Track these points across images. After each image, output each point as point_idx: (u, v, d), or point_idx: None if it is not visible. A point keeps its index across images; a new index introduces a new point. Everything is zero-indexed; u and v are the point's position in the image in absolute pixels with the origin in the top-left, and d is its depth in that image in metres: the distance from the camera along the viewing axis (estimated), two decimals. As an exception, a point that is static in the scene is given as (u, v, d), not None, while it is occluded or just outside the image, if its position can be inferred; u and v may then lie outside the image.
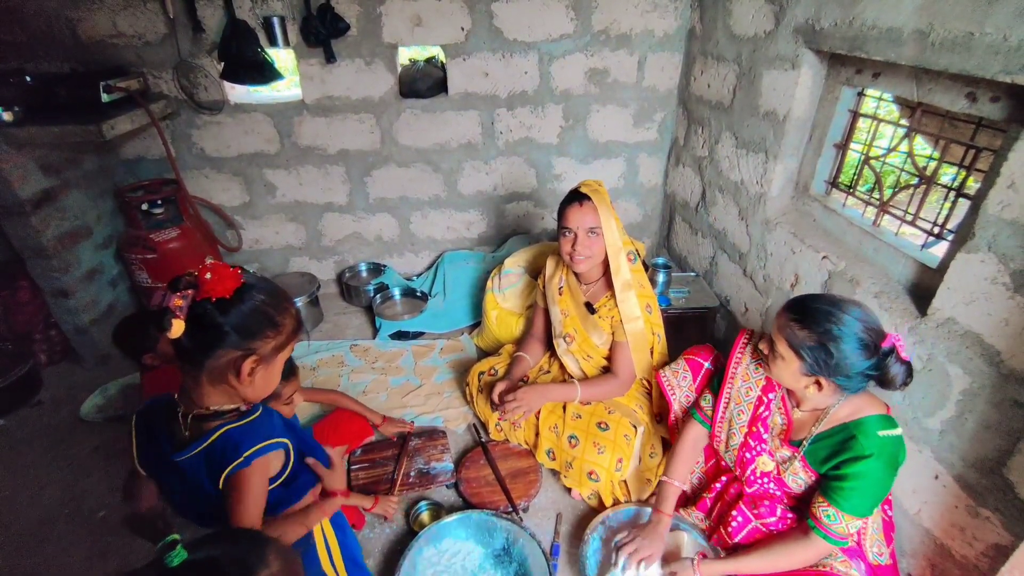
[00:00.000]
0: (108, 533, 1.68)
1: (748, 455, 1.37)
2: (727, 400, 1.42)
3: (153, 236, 2.35)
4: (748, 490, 1.40)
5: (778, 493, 1.36)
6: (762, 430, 1.35)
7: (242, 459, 0.92)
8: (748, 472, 1.38)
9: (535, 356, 2.00)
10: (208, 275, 0.86)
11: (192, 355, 0.90)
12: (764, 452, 1.35)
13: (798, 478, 1.29)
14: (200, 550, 0.67)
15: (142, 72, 2.32)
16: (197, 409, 0.95)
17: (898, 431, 1.17)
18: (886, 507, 1.34)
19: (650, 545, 1.37)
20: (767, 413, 1.34)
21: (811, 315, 1.14)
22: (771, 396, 1.33)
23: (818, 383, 1.17)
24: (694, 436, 1.50)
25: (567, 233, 1.70)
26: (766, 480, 1.36)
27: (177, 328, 0.84)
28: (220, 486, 0.92)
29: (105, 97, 2.04)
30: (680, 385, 1.60)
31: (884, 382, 1.13)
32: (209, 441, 0.92)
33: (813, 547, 1.21)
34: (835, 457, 1.20)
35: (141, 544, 1.61)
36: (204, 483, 0.94)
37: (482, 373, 2.02)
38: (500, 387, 1.82)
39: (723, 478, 1.51)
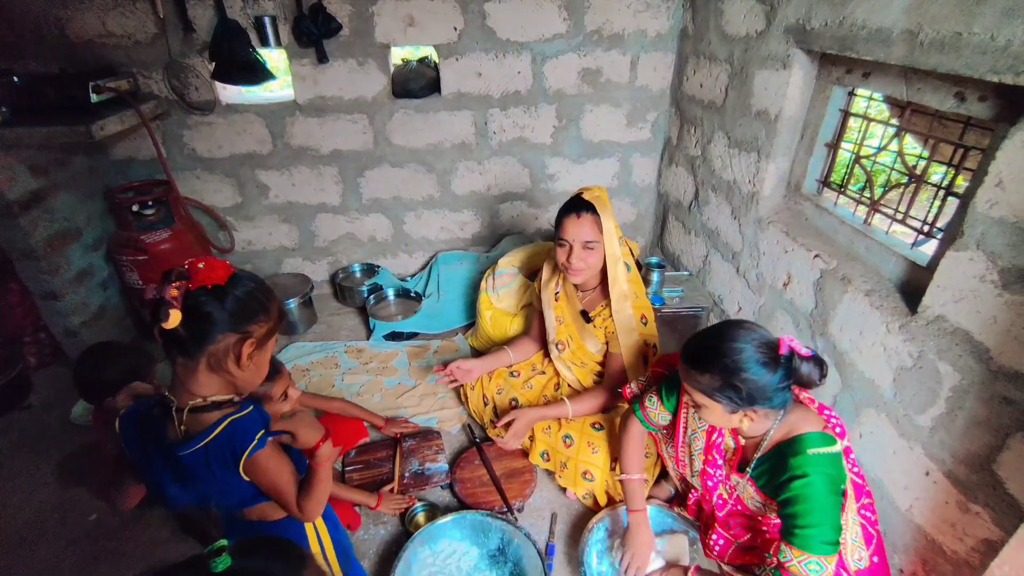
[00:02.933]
0: (101, 536, 1.66)
1: (710, 483, 1.38)
2: (684, 425, 1.41)
3: (144, 238, 2.33)
4: (719, 513, 1.40)
5: (745, 514, 1.36)
6: (717, 456, 1.34)
7: (257, 440, 0.95)
8: (714, 498, 1.39)
9: (521, 354, 2.00)
10: (201, 265, 0.91)
11: (189, 345, 0.92)
12: (722, 479, 1.35)
13: (755, 501, 1.29)
14: (241, 558, 0.68)
15: (132, 72, 2.30)
16: (193, 401, 0.95)
17: (833, 448, 1.13)
18: (868, 513, 1.30)
19: (640, 552, 1.41)
20: (720, 439, 1.34)
21: (704, 358, 1.13)
22: None
23: (748, 415, 1.15)
24: (636, 431, 1.51)
25: (563, 244, 1.68)
26: (730, 504, 1.36)
27: (174, 318, 0.86)
28: (242, 471, 0.95)
29: (94, 97, 2.02)
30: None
31: (803, 385, 1.12)
32: (216, 431, 0.93)
33: None
34: (775, 479, 1.17)
35: (133, 548, 1.63)
36: (208, 474, 0.95)
37: (477, 373, 2.02)
38: (459, 361, 1.88)
39: (693, 492, 1.52)
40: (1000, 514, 1.12)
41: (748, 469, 1.26)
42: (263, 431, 0.96)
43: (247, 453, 0.94)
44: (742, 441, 1.29)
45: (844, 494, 1.15)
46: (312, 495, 1.02)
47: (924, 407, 1.28)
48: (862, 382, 1.48)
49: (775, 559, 1.15)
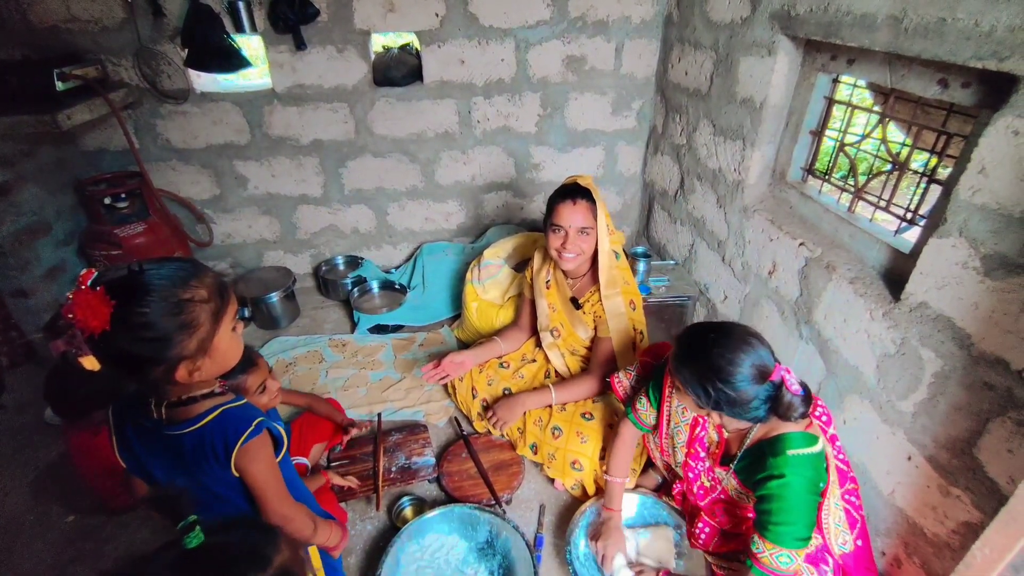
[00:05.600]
0: (78, 538, 1.62)
1: (691, 474, 1.39)
2: (667, 418, 1.42)
3: (118, 231, 2.26)
4: (700, 503, 1.41)
5: (731, 501, 1.37)
6: (699, 449, 1.35)
7: (253, 427, 0.92)
8: (696, 488, 1.40)
9: (511, 344, 2.00)
10: (71, 314, 0.76)
11: (125, 376, 0.86)
12: (704, 471, 1.36)
13: (739, 493, 1.30)
14: (216, 535, 0.68)
15: (100, 59, 2.21)
16: (169, 399, 0.92)
17: (814, 449, 1.13)
18: (852, 499, 1.32)
19: (611, 543, 1.44)
20: (703, 432, 1.34)
21: (692, 354, 1.12)
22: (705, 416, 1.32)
23: (714, 415, 1.16)
24: (629, 435, 1.52)
25: (557, 230, 1.68)
26: (713, 494, 1.37)
27: (90, 364, 0.79)
28: (232, 464, 0.91)
29: (60, 85, 1.94)
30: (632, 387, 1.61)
31: (780, 415, 1.10)
32: (209, 418, 0.91)
33: None
34: (755, 475, 1.18)
35: (112, 549, 1.60)
36: (192, 463, 0.92)
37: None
38: (451, 355, 1.85)
39: (678, 483, 1.53)
40: (980, 497, 1.14)
41: (732, 463, 1.26)
42: (260, 418, 0.93)
43: (241, 440, 0.91)
44: (726, 434, 1.30)
45: (824, 492, 1.16)
46: (301, 507, 1.00)
47: (907, 393, 1.29)
48: (846, 369, 1.49)
49: (748, 550, 1.17)
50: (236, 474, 0.93)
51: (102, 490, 1.58)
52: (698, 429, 1.35)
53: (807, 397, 1.11)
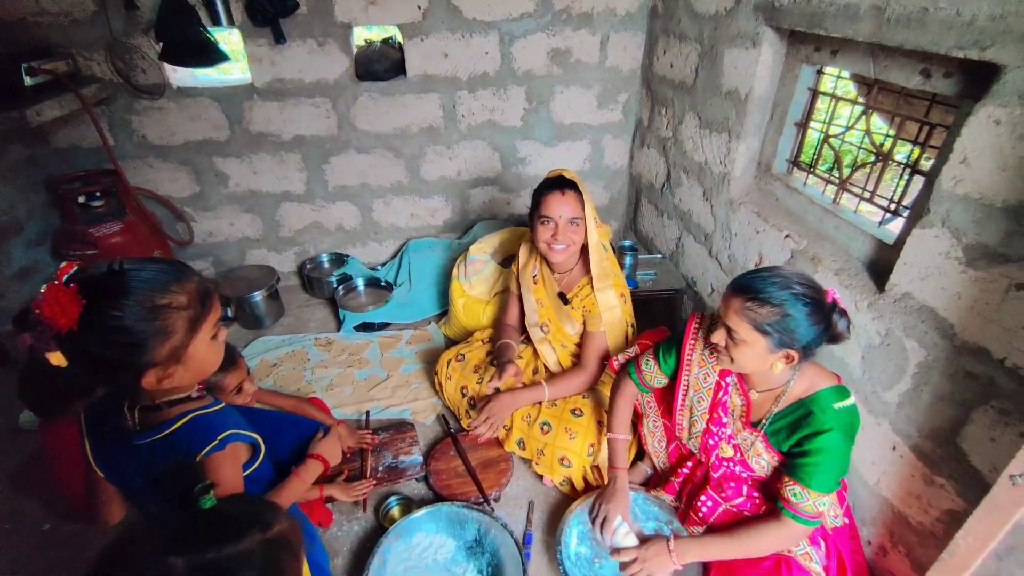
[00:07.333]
0: (54, 546, 1.58)
1: (711, 441, 1.38)
2: (685, 387, 1.41)
3: (93, 231, 2.20)
4: (714, 475, 1.41)
5: (744, 475, 1.37)
6: (722, 414, 1.35)
7: (217, 442, 0.90)
8: (713, 457, 1.39)
9: (516, 342, 1.97)
10: (39, 310, 0.73)
11: (95, 380, 0.84)
12: (725, 437, 1.35)
13: (761, 459, 1.30)
14: (225, 503, 0.76)
15: (71, 53, 2.14)
16: (143, 403, 0.90)
17: (851, 400, 1.19)
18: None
19: (614, 505, 1.43)
20: (726, 397, 1.34)
21: (765, 291, 1.12)
22: (728, 380, 1.32)
23: (787, 356, 1.15)
24: (629, 392, 1.51)
25: (547, 222, 1.65)
26: (731, 463, 1.37)
27: (57, 360, 0.76)
28: None
29: (28, 80, 1.88)
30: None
31: (833, 338, 1.15)
32: (177, 425, 0.88)
33: (785, 529, 1.21)
34: (795, 434, 1.21)
35: (91, 556, 1.55)
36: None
37: (450, 361, 1.98)
38: (490, 406, 1.72)
39: (688, 464, 1.52)
40: (963, 486, 1.14)
41: (763, 423, 1.27)
42: (228, 432, 0.91)
43: (203, 453, 0.88)
44: (753, 397, 1.30)
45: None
46: (282, 496, 0.99)
47: (891, 383, 1.30)
48: (832, 361, 1.49)
49: (784, 500, 1.20)
50: None
51: (76, 495, 1.54)
52: (721, 393, 1.34)
53: (849, 318, 1.16)
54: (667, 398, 1.50)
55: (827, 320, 1.12)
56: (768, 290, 1.12)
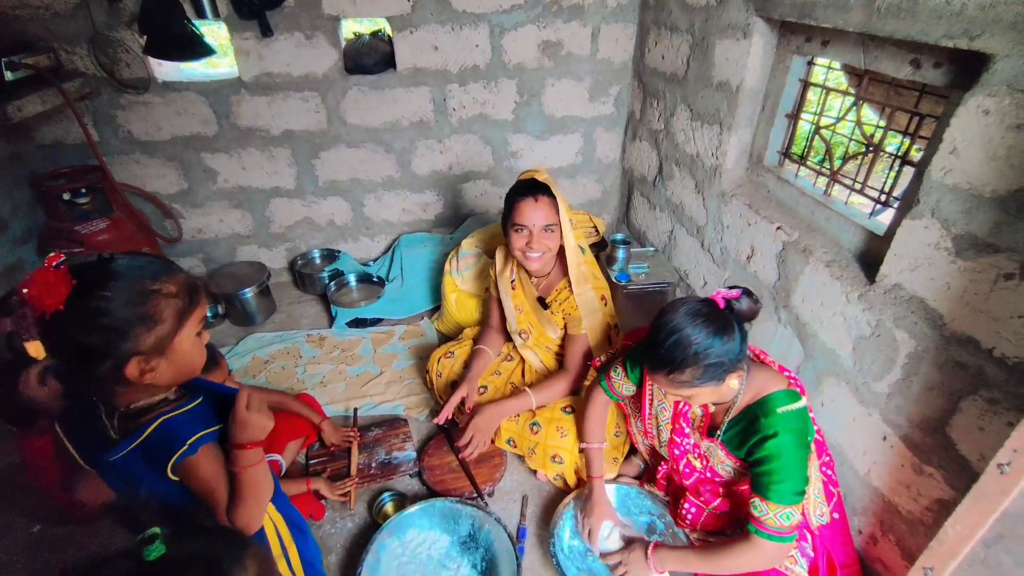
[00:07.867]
0: (44, 548, 1.57)
1: (677, 451, 1.39)
2: (650, 396, 1.42)
3: (79, 228, 2.17)
4: (686, 482, 1.42)
5: (716, 479, 1.38)
6: (684, 425, 1.36)
7: (187, 447, 0.86)
8: (682, 466, 1.40)
9: (495, 347, 1.94)
10: (27, 289, 0.72)
11: (74, 372, 0.81)
12: (691, 447, 1.36)
13: (725, 466, 1.31)
14: (178, 545, 0.65)
15: (52, 47, 2.10)
16: (120, 409, 0.87)
17: (800, 404, 1.17)
18: (828, 472, 1.36)
19: (596, 517, 1.44)
20: (687, 408, 1.35)
21: (673, 360, 1.10)
22: None
23: (735, 374, 1.15)
24: (601, 401, 1.52)
25: (520, 230, 1.61)
26: (701, 472, 1.38)
27: (35, 350, 0.74)
28: (169, 472, 0.87)
29: (9, 75, 1.84)
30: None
31: (749, 319, 1.15)
32: (144, 435, 0.85)
33: (756, 549, 1.18)
34: (747, 441, 1.20)
35: (83, 558, 1.54)
36: (147, 475, 0.88)
37: (440, 358, 1.97)
38: (459, 394, 1.74)
39: (664, 463, 1.53)
40: (952, 475, 1.15)
41: (718, 433, 1.27)
42: (199, 435, 0.88)
43: (174, 459, 0.86)
44: (711, 408, 1.31)
45: (812, 445, 1.20)
46: (239, 505, 0.91)
47: (882, 374, 1.30)
48: (824, 352, 1.50)
49: (750, 516, 1.18)
50: (175, 478, 0.89)
51: (62, 499, 1.52)
52: (682, 404, 1.35)
53: (746, 289, 1.15)
54: (640, 404, 1.51)
55: (736, 322, 1.12)
56: (675, 357, 1.10)
